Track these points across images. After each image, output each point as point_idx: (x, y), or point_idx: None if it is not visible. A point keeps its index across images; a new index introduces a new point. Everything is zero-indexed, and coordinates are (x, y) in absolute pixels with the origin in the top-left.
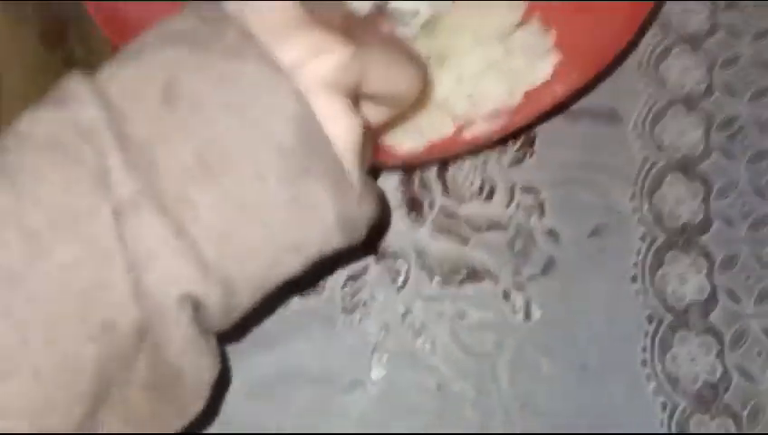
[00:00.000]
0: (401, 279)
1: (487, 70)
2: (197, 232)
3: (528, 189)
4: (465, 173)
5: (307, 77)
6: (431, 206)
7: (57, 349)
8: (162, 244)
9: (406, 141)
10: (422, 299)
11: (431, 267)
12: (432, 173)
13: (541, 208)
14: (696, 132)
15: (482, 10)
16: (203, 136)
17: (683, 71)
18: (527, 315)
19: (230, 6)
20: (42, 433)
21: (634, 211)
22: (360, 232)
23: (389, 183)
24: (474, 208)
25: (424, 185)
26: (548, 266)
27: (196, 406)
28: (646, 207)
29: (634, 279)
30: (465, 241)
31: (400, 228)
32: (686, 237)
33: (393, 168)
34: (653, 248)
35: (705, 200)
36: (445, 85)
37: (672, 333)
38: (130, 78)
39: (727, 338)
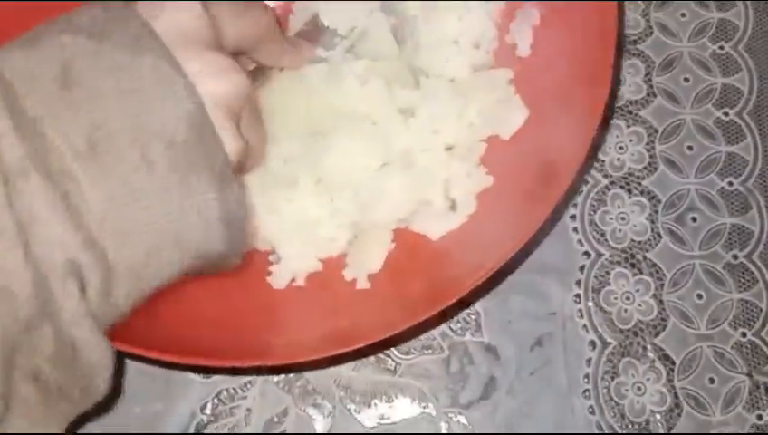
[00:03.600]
0: (325, 421)
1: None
2: (80, 204)
3: (459, 302)
4: None
5: (202, 90)
6: None
7: None
8: (48, 208)
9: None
10: None
11: (357, 404)
12: None
13: (476, 322)
14: (640, 216)
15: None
16: (94, 119)
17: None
18: None
19: (142, 7)
20: None
21: (579, 314)
22: (240, 237)
23: None
24: None
25: None
26: (488, 388)
27: (99, 388)
28: (592, 308)
29: (586, 395)
30: (393, 368)
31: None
32: (640, 340)
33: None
34: (604, 356)
35: (658, 295)
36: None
37: None
38: (26, 59)
39: None
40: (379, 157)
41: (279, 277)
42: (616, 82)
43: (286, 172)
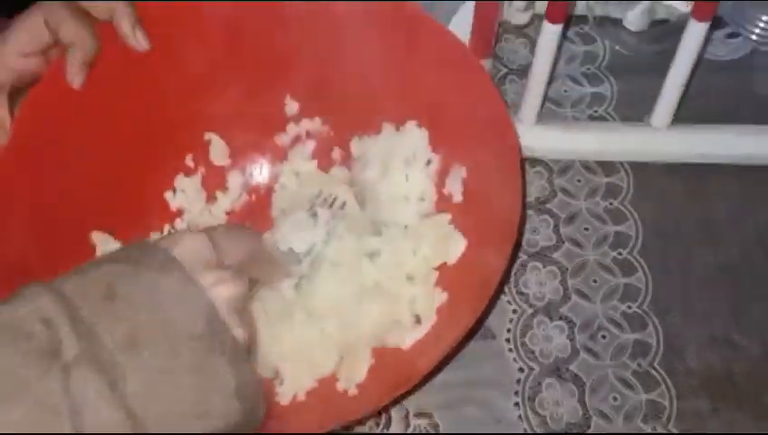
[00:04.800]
0: None
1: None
2: (125, 389)
3: (421, 415)
4: None
5: (213, 296)
6: None
7: None
8: (98, 395)
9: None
10: None
11: None
12: None
13: (436, 431)
14: (561, 337)
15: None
16: (134, 322)
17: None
18: None
19: (163, 241)
20: None
21: (520, 419)
22: (254, 407)
23: None
24: None
25: None
26: None
27: None
28: (530, 413)
29: None
30: None
31: None
32: None
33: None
34: None
35: (581, 399)
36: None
37: None
38: (80, 281)
39: None
40: (356, 291)
41: (284, 395)
42: (523, 224)
43: (283, 309)
